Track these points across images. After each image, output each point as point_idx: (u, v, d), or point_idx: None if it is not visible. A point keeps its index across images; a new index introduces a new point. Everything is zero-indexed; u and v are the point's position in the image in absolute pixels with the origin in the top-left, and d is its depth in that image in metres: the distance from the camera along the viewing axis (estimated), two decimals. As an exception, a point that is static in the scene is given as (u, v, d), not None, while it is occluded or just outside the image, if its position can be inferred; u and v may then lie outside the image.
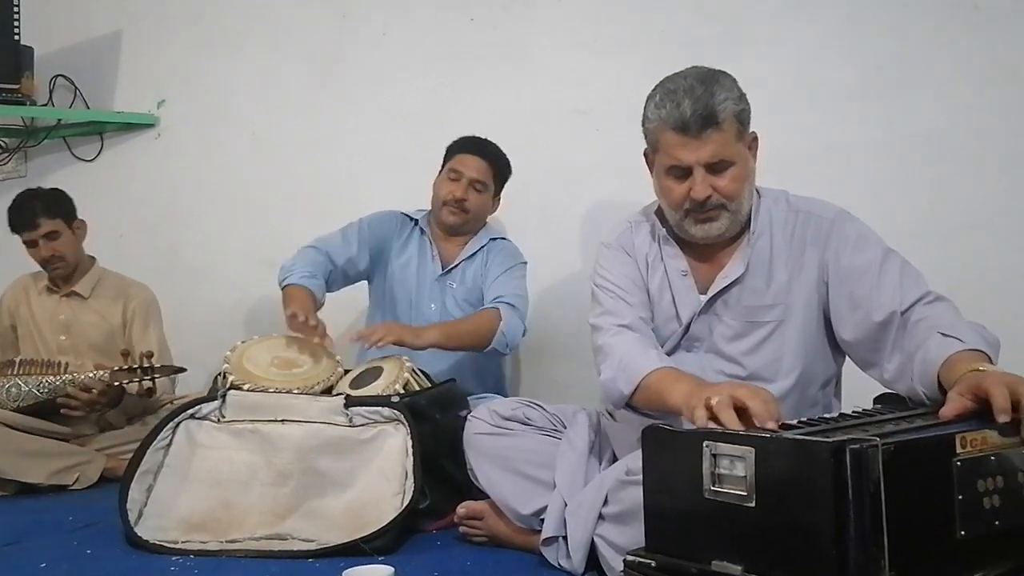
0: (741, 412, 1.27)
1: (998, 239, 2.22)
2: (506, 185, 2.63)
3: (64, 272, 2.90)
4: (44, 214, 2.82)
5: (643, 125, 1.67)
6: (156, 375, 2.60)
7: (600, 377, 1.67)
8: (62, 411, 2.62)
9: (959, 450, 1.12)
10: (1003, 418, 1.17)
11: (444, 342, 2.33)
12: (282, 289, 2.40)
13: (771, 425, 1.22)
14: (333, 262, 2.49)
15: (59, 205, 2.87)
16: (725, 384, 1.41)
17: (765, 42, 2.48)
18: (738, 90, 1.62)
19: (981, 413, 1.22)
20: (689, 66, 1.64)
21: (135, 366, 2.58)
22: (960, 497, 1.11)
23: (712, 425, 1.27)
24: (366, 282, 2.66)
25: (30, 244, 2.84)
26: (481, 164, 2.54)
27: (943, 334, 1.41)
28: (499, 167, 2.58)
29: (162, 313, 2.99)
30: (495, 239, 2.60)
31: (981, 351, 1.36)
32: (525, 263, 2.58)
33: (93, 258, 3.00)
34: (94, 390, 2.57)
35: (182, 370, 2.68)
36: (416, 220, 2.63)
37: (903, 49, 2.33)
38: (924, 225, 2.25)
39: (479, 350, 2.40)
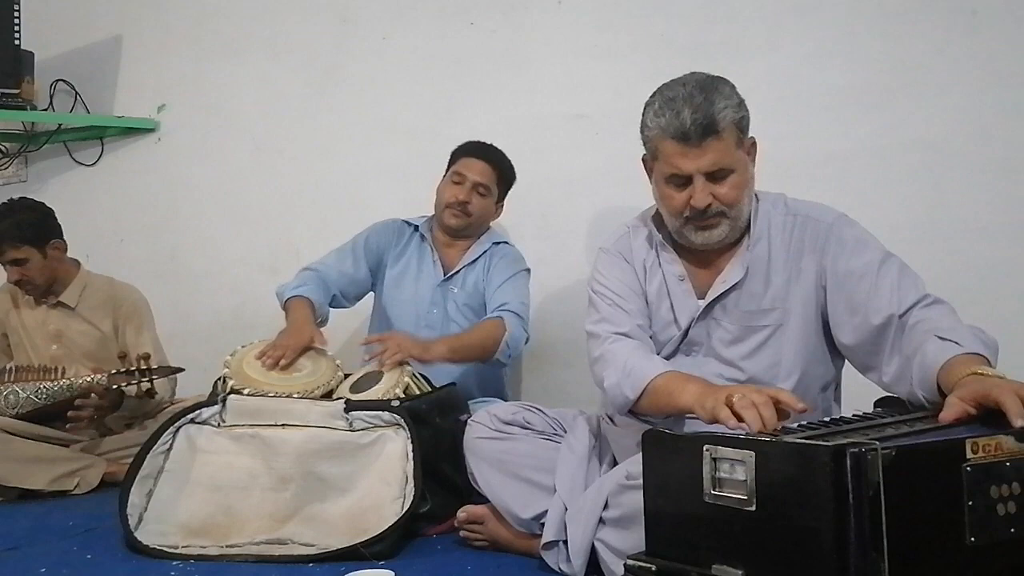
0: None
1: (997, 243, 2.22)
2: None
3: (37, 292, 2.83)
4: (10, 241, 2.70)
5: (642, 132, 1.67)
6: (154, 376, 2.58)
7: (604, 384, 1.66)
8: (68, 426, 2.58)
9: (969, 455, 1.11)
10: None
11: (451, 356, 2.32)
12: (283, 307, 2.42)
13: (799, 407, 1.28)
14: (332, 281, 2.49)
15: (29, 230, 2.72)
16: (738, 385, 1.41)
17: (764, 47, 2.49)
18: (737, 97, 1.62)
19: (983, 418, 1.21)
20: (688, 72, 1.64)
21: (132, 368, 2.56)
22: (970, 503, 1.10)
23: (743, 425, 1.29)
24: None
25: None
26: (485, 168, 2.54)
27: (941, 337, 1.41)
28: (503, 172, 2.57)
29: (162, 317, 2.98)
30: (497, 243, 2.59)
31: (979, 354, 1.36)
32: (528, 270, 2.57)
33: (78, 263, 2.92)
34: (93, 394, 2.56)
35: (180, 370, 2.67)
36: (416, 226, 2.63)
37: (902, 55, 2.33)
38: (923, 230, 2.25)
39: (483, 361, 2.40)
